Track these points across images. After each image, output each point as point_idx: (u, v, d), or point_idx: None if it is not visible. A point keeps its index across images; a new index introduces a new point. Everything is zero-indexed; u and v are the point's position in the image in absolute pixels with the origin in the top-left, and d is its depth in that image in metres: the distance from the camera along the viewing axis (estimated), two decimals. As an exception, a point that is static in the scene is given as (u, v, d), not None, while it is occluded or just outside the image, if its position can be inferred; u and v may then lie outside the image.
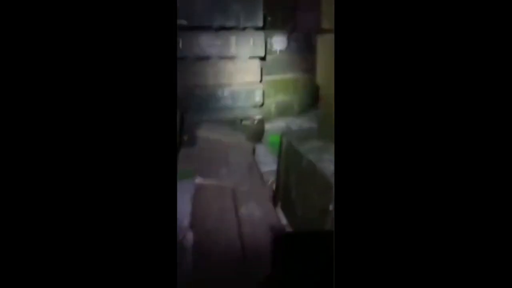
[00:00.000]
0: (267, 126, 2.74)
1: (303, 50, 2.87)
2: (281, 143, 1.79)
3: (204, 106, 2.57)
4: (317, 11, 1.61)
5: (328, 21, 1.52)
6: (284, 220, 1.68)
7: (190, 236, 1.45)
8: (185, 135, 2.41)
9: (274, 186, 1.95)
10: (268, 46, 2.71)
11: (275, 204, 1.75)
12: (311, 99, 2.89)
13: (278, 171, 1.85)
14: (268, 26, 2.64)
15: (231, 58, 2.55)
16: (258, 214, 1.42)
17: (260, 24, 2.53)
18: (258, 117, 2.66)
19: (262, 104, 2.73)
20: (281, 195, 1.80)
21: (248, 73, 2.63)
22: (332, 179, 1.20)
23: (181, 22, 2.33)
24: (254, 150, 2.33)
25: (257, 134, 2.66)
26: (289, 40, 2.84)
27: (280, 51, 2.84)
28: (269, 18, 2.68)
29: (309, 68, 2.69)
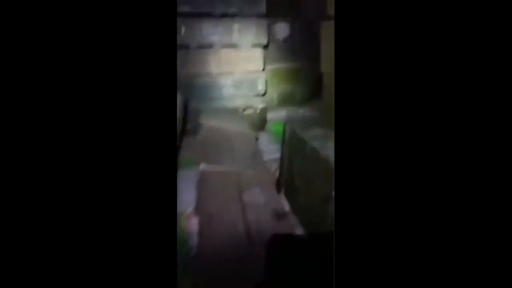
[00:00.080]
0: (270, 115, 2.74)
1: (307, 37, 2.84)
2: (284, 130, 1.79)
3: (207, 95, 2.56)
4: (321, -4, 1.59)
5: (332, 8, 1.50)
6: (287, 207, 1.71)
7: (195, 222, 1.48)
8: (188, 123, 2.42)
9: (277, 174, 1.97)
10: (271, 34, 2.68)
11: (278, 191, 1.77)
12: (315, 88, 2.88)
13: (281, 158, 1.86)
14: (271, 13, 2.61)
15: (234, 46, 2.53)
16: (262, 200, 1.44)
17: (263, 11, 2.50)
18: (260, 106, 2.65)
19: (265, 93, 2.73)
20: (284, 182, 1.82)
21: (251, 62, 2.61)
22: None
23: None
24: (257, 139, 2.34)
25: (260, 123, 2.67)
26: (292, 27, 2.80)
27: (283, 39, 2.81)
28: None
29: (313, 56, 2.66)
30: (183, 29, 2.40)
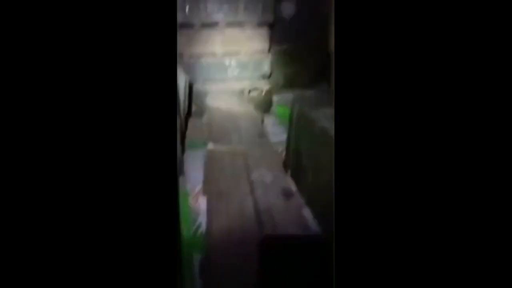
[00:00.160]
0: (275, 97, 2.70)
1: (314, 16, 2.75)
2: (292, 110, 1.77)
3: (212, 76, 2.52)
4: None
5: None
6: (294, 187, 1.71)
7: (203, 201, 1.49)
8: (193, 104, 2.40)
9: (283, 155, 1.96)
10: (277, 12, 2.60)
11: (285, 171, 1.77)
12: (321, 70, 2.82)
13: (288, 139, 1.85)
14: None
15: (239, 24, 2.47)
16: (270, 179, 1.45)
17: (270, -12, 2.42)
18: (266, 87, 2.62)
19: (270, 75, 2.68)
20: (291, 163, 1.82)
21: (256, 41, 2.55)
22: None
23: None
24: (262, 121, 2.33)
25: (265, 105, 2.64)
26: (299, 6, 2.71)
27: (290, 17, 2.72)
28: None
29: (320, 35, 2.59)
30: (187, 8, 2.33)
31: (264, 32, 2.55)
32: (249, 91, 2.58)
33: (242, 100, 2.43)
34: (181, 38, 2.38)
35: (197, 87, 2.47)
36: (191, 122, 2.25)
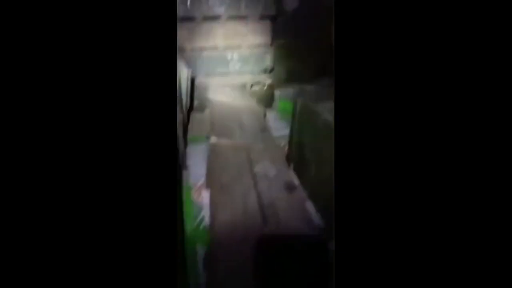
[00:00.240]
0: (277, 92, 2.69)
1: (317, 10, 2.72)
2: (295, 104, 1.76)
3: (213, 69, 2.50)
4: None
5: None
6: (296, 181, 1.71)
7: (206, 195, 1.49)
8: (195, 98, 2.38)
9: (286, 149, 1.96)
10: (280, 6, 2.57)
11: (288, 165, 1.77)
12: (324, 64, 2.80)
13: (290, 133, 1.84)
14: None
15: (241, 18, 2.44)
16: (273, 173, 1.44)
17: (272, -20, 2.39)
18: (268, 82, 2.60)
19: (272, 69, 2.66)
20: (293, 157, 1.81)
21: (259, 35, 2.53)
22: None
23: None
24: (265, 115, 2.31)
25: (267, 100, 2.62)
26: (302, -1, 2.68)
27: (292, 11, 2.69)
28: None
29: (323, 29, 2.57)
30: (188, 0, 2.30)
31: (266, 25, 2.53)
32: (251, 85, 2.56)
33: (244, 94, 2.41)
34: (183, 31, 2.36)
35: (198, 81, 2.46)
36: (193, 117, 2.24)
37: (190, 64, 2.34)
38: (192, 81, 2.36)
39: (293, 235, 1.04)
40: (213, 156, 1.54)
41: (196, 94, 2.41)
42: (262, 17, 2.49)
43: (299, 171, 1.74)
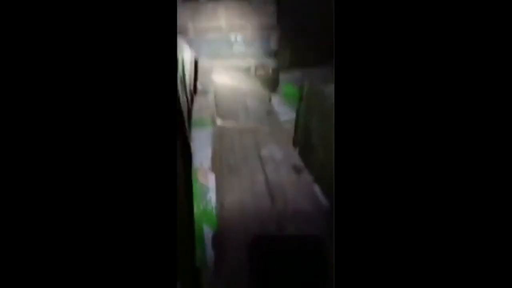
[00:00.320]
0: (282, 76, 2.64)
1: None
2: (302, 86, 1.74)
3: (217, 52, 2.45)
4: None
5: None
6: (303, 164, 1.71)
7: (212, 177, 1.49)
8: (198, 81, 2.35)
9: (292, 133, 1.94)
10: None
11: (294, 149, 1.76)
12: (331, 47, 2.73)
13: (296, 116, 1.82)
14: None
15: (246, -2, 2.37)
16: (280, 156, 1.43)
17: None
18: (272, 65, 2.55)
19: (277, 52, 2.61)
20: (299, 140, 1.80)
21: (263, 16, 2.46)
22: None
23: None
24: (270, 98, 2.28)
25: (272, 84, 2.58)
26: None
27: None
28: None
29: (331, 11, 2.49)
30: (191, -21, 2.23)
31: (271, 7, 2.45)
32: (256, 69, 2.52)
33: (249, 78, 2.37)
34: (185, 11, 2.29)
35: (202, 63, 2.41)
36: (197, 99, 2.21)
37: (193, 45, 2.29)
38: (196, 63, 2.31)
39: (293, 236, 1.03)
40: (219, 139, 1.53)
41: (199, 76, 2.37)
42: (268, -3, 2.41)
43: (305, 155, 1.73)
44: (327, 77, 1.77)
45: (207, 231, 1.27)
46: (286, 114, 2.22)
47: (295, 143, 1.79)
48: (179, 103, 1.04)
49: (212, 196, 1.42)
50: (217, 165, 1.42)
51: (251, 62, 2.51)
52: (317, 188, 1.41)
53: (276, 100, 2.47)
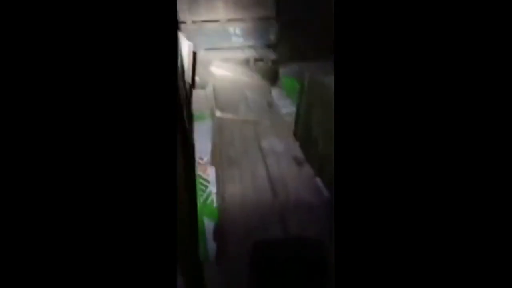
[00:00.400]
0: (281, 69, 2.61)
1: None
2: (303, 78, 1.71)
3: (215, 43, 2.41)
4: None
5: None
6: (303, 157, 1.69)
7: (212, 169, 1.47)
8: (197, 74, 2.31)
9: (293, 126, 1.93)
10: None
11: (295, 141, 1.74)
12: (330, 41, 2.70)
13: (297, 109, 1.80)
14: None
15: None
16: (281, 148, 1.42)
17: None
18: (272, 58, 2.52)
19: (277, 44, 2.57)
20: (300, 133, 1.78)
21: (262, 8, 2.42)
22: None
23: None
24: (270, 91, 2.26)
25: (271, 76, 2.55)
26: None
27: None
28: None
29: (329, 5, 2.45)
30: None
31: (271, -3, 2.41)
32: (255, 61, 2.48)
33: (248, 70, 2.34)
34: (184, 3, 2.25)
35: (200, 55, 2.37)
36: (195, 92, 2.19)
37: (191, 37, 2.25)
38: (194, 55, 2.28)
39: (293, 236, 1.03)
40: (219, 131, 1.51)
41: (198, 69, 2.34)
42: (267, -12, 2.37)
43: (306, 147, 1.72)
44: (327, 69, 1.75)
45: (208, 224, 1.26)
46: (286, 107, 2.20)
47: (296, 136, 1.78)
48: (179, 97, 1.02)
49: (212, 189, 1.41)
50: (217, 158, 1.41)
51: (250, 54, 2.47)
52: (318, 180, 1.40)
53: (276, 93, 2.45)
